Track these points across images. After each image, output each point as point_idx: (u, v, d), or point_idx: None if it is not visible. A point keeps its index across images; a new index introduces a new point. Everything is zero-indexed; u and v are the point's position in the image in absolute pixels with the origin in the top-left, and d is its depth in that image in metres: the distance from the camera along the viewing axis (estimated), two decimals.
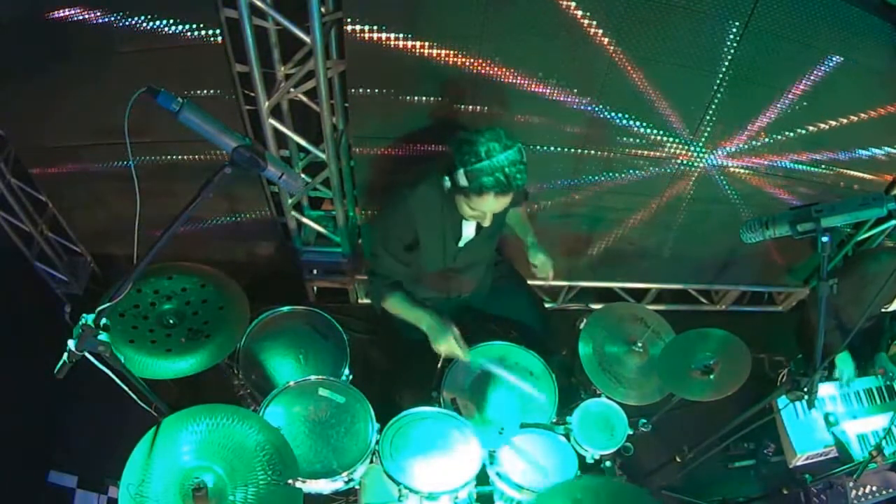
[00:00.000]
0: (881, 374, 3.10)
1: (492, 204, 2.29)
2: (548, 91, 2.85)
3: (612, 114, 2.97)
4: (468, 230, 2.61)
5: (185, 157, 3.08)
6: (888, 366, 3.11)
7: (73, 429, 3.39)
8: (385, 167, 3.12)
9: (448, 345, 2.53)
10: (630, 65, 2.77)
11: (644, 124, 3.03)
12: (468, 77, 2.76)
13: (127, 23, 2.57)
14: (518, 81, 2.80)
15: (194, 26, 2.58)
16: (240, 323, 2.71)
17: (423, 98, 2.85)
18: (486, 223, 2.43)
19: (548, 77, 2.80)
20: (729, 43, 2.70)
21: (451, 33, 2.62)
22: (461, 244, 2.66)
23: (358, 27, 2.55)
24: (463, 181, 2.24)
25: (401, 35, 2.60)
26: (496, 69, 2.75)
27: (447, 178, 2.30)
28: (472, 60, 2.71)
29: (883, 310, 3.06)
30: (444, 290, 2.85)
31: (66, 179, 3.31)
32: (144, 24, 2.58)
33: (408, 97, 2.85)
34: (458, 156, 2.24)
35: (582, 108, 2.93)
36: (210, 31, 2.60)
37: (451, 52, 2.67)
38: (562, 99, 2.88)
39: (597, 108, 2.94)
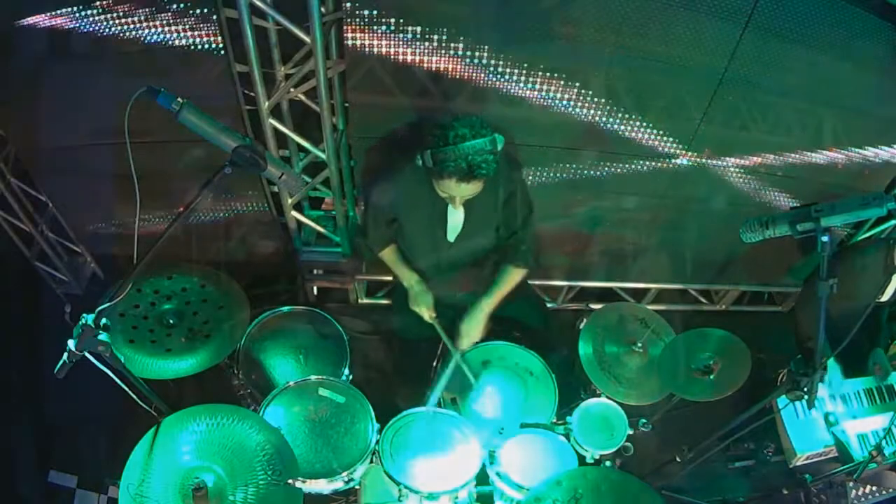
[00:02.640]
0: (877, 373, 3.09)
1: (454, 189, 2.34)
2: (547, 91, 2.85)
3: (612, 113, 2.97)
4: (455, 218, 2.61)
5: (185, 156, 3.08)
6: (883, 362, 3.10)
7: (73, 429, 3.38)
8: (385, 166, 3.11)
9: (423, 308, 2.73)
10: (629, 64, 2.76)
11: (643, 124, 3.02)
12: (468, 77, 2.75)
13: (127, 22, 2.57)
14: (517, 82, 2.80)
15: (194, 26, 2.58)
16: (240, 323, 2.72)
17: (423, 99, 2.84)
18: (456, 207, 2.49)
19: (547, 77, 2.80)
20: (729, 42, 2.70)
21: (449, 35, 2.62)
22: (450, 237, 2.66)
23: (358, 28, 2.55)
24: (429, 162, 2.31)
25: (401, 37, 2.60)
26: (495, 70, 2.74)
27: (419, 157, 2.36)
28: (471, 62, 2.70)
29: (876, 300, 3.03)
30: (444, 289, 2.85)
31: (66, 179, 3.31)
32: (144, 24, 2.58)
33: (408, 98, 2.85)
34: (430, 137, 2.31)
35: (581, 107, 2.92)
36: (210, 31, 2.59)
37: (451, 52, 2.67)
38: (561, 98, 2.88)
39: (596, 108, 2.93)
